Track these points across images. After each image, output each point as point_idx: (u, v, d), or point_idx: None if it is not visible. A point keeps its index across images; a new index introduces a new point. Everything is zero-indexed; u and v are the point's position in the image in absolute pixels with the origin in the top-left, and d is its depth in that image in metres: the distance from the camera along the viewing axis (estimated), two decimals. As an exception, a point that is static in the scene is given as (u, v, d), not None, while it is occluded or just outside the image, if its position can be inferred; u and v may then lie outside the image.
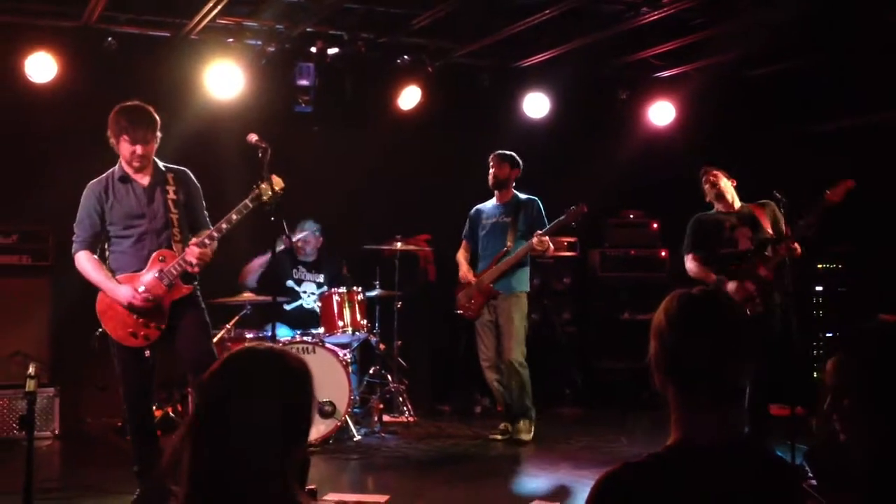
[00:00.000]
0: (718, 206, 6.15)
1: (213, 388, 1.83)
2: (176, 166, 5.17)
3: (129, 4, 6.84)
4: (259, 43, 7.46)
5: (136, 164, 4.95)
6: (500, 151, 7.12)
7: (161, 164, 5.09)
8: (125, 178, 4.99)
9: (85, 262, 4.98)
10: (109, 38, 6.99)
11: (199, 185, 5.21)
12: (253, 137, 5.10)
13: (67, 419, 7.10)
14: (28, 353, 6.75)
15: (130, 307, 4.88)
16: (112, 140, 4.95)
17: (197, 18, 6.81)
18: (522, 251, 6.82)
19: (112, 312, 4.93)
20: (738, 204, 6.11)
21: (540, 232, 6.72)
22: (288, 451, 1.81)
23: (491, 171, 7.09)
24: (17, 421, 6.66)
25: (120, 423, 6.83)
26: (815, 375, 8.14)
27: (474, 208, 7.26)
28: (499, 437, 6.96)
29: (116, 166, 5.03)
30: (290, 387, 1.84)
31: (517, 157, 7.11)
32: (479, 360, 7.07)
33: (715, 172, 6.14)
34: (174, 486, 3.40)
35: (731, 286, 5.85)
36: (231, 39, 7.28)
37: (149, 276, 4.93)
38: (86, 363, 7.25)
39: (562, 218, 6.78)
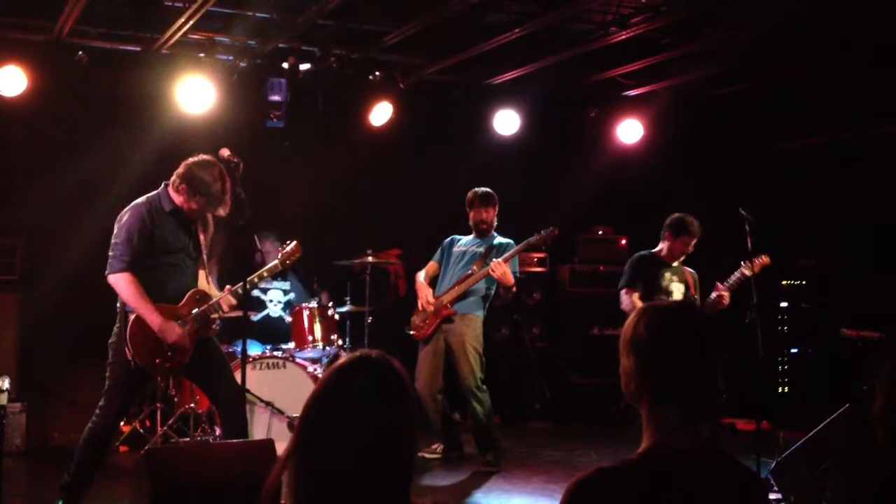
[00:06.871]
0: (663, 255, 6.45)
1: (323, 393, 1.89)
2: None
3: (100, 18, 6.81)
4: (231, 58, 7.47)
5: None
6: (485, 192, 6.77)
7: None
8: (175, 212, 4.99)
9: (131, 284, 4.80)
10: (80, 52, 6.96)
11: None
12: (225, 152, 5.10)
13: (34, 435, 7.03)
14: (-5, 368, 6.68)
15: (175, 345, 4.89)
16: (201, 195, 4.91)
17: (168, 33, 6.81)
18: (482, 273, 6.58)
19: (143, 338, 4.84)
20: (676, 262, 6.47)
21: (497, 259, 6.49)
22: (396, 455, 1.84)
23: (481, 216, 6.73)
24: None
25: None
26: (779, 391, 8.25)
27: (450, 237, 7.02)
28: (429, 456, 6.88)
29: (162, 199, 4.97)
30: (393, 392, 1.95)
31: (494, 195, 6.82)
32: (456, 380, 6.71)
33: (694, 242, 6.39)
34: None
35: None
36: (202, 54, 7.26)
37: (186, 313, 4.98)
38: (53, 379, 7.22)
39: (531, 239, 6.60)
